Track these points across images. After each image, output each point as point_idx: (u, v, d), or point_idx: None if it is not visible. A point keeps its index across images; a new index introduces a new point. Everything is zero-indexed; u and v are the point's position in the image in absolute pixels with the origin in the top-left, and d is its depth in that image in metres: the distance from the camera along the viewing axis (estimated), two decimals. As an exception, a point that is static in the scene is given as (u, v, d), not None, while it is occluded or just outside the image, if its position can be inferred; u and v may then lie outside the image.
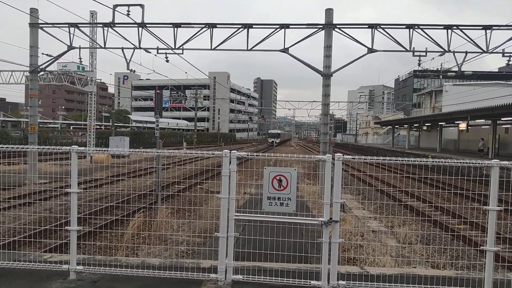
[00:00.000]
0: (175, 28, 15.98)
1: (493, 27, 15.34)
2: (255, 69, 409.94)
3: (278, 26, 15.65)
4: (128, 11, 15.82)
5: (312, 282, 3.77)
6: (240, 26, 15.74)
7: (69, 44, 16.56)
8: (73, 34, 16.46)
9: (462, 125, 35.14)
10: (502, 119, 27.22)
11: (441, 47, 15.68)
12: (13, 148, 4.29)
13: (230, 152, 3.81)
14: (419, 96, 65.18)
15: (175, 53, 16.74)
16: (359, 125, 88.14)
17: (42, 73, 22.59)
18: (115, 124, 47.73)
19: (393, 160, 3.88)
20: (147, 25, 16.07)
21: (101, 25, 16.68)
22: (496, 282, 3.89)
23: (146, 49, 16.93)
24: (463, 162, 3.83)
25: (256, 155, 4.09)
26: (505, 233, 9.14)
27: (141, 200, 12.26)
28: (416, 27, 15.27)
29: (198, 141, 55.34)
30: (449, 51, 15.70)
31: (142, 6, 15.86)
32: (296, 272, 4.09)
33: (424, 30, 15.34)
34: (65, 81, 28.03)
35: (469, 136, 36.25)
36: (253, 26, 15.74)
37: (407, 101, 72.06)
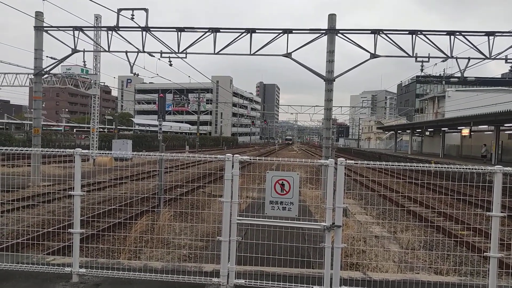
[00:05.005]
0: (179, 32, 16.08)
1: (496, 34, 15.32)
2: (257, 73, 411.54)
3: (281, 31, 15.71)
4: (132, 15, 15.95)
5: (315, 287, 3.76)
6: (243, 30, 15.80)
7: (73, 47, 16.68)
8: (78, 38, 16.59)
9: (465, 131, 35.04)
10: (505, 125, 27.17)
11: (443, 53, 15.65)
12: (17, 150, 4.31)
13: (233, 156, 3.82)
14: (422, 102, 65.14)
15: (178, 57, 16.80)
16: (361, 130, 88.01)
17: (46, 76, 22.75)
18: (118, 127, 47.85)
19: (395, 165, 3.86)
20: (151, 29, 16.15)
21: (105, 28, 16.80)
22: (500, 289, 3.87)
23: (149, 53, 17.01)
24: (466, 168, 3.82)
25: (259, 159, 4.09)
26: (508, 239, 9.08)
27: (143, 203, 12.27)
28: (418, 33, 15.29)
29: (200, 144, 55.36)
30: (452, 57, 15.68)
31: (146, 10, 15.99)
32: (299, 277, 4.09)
33: (427, 36, 15.34)
34: (69, 84, 28.18)
35: (472, 142, 36.14)
36: (256, 30, 15.81)
37: (410, 106, 72.04)
